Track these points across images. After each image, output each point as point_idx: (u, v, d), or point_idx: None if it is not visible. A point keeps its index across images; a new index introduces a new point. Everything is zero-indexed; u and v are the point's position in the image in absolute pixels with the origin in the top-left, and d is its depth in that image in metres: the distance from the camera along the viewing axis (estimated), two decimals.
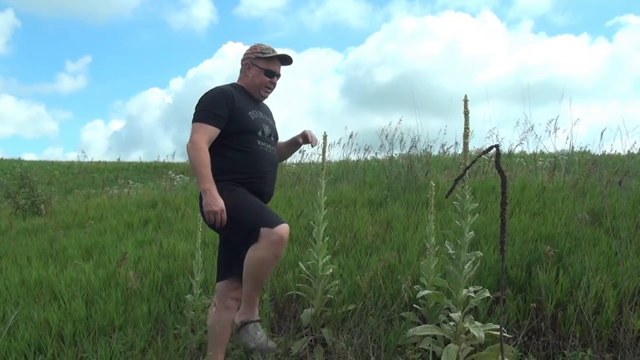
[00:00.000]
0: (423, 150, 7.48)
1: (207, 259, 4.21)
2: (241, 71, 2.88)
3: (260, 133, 2.75)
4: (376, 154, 8.00)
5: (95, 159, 21.92)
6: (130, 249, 4.88)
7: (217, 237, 4.90)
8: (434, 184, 3.13)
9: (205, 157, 2.54)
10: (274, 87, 2.88)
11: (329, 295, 3.21)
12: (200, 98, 2.71)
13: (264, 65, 2.80)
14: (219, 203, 2.48)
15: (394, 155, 7.65)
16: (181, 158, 15.32)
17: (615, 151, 7.05)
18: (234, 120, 2.67)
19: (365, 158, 8.32)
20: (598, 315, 2.93)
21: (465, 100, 2.53)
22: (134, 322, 3.30)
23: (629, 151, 6.32)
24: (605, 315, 2.90)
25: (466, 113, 2.55)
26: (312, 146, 3.03)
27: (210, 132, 2.61)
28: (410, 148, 7.38)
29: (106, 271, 4.27)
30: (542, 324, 2.98)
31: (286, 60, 2.87)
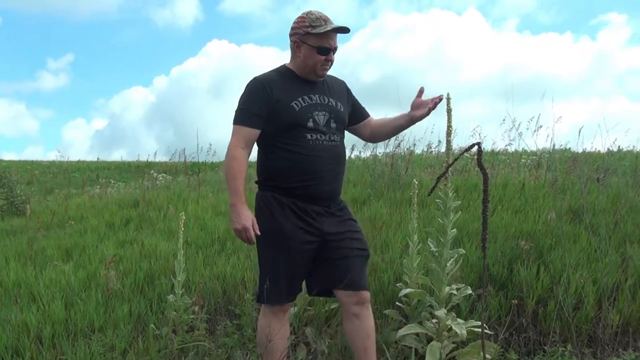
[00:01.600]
0: (407, 148, 7.51)
1: (189, 259, 4.18)
2: (291, 49, 2.42)
3: (310, 124, 2.34)
4: (360, 152, 8.02)
5: (79, 159, 21.65)
6: (111, 249, 4.82)
7: (200, 237, 4.87)
8: (416, 182, 3.14)
9: (237, 167, 2.31)
10: (332, 63, 2.40)
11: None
12: (242, 93, 2.41)
13: (316, 42, 2.32)
14: (241, 220, 2.27)
15: (377, 153, 7.67)
16: (164, 157, 15.19)
17: (596, 149, 7.14)
18: (274, 114, 2.33)
19: (349, 156, 8.34)
20: (578, 311, 2.97)
21: (448, 98, 2.53)
22: (114, 323, 3.26)
23: (608, 149, 6.42)
24: (585, 311, 2.94)
25: (449, 111, 2.55)
26: (434, 106, 2.45)
27: (247, 134, 2.34)
28: (395, 147, 7.41)
29: (86, 272, 4.21)
30: (523, 320, 3.00)
31: (343, 30, 2.38)
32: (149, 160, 16.68)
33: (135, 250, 4.70)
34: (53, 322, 3.26)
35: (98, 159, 22.00)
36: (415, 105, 2.49)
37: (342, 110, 2.47)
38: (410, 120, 2.52)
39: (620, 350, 2.79)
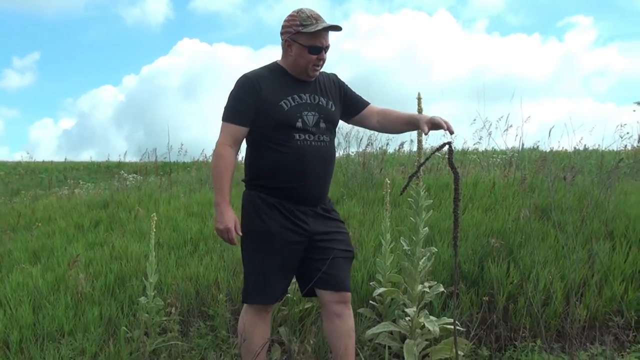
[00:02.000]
0: (379, 148, 7.56)
1: (161, 260, 4.13)
2: (282, 47, 2.39)
3: (299, 124, 2.31)
4: None
5: (46, 159, 21.10)
6: (80, 251, 4.73)
7: (172, 238, 4.82)
8: (389, 182, 3.16)
9: (223, 165, 2.29)
10: (324, 62, 2.37)
11: (287, 294, 3.20)
12: (231, 90, 2.39)
13: (307, 41, 2.28)
14: (224, 220, 2.27)
15: (350, 153, 7.71)
16: (134, 157, 14.94)
17: (563, 148, 7.32)
18: (262, 113, 2.30)
19: None
20: (547, 307, 3.03)
21: (419, 99, 2.56)
22: (84, 327, 3.20)
23: (575, 147, 6.59)
24: (554, 307, 3.00)
25: (420, 111, 2.58)
26: (451, 134, 2.37)
27: (234, 131, 2.32)
28: (367, 146, 7.46)
29: (55, 275, 4.12)
30: (494, 316, 3.05)
31: (334, 27, 2.31)
32: (120, 160, 16.43)
33: (106, 252, 4.62)
34: (20, 327, 3.19)
35: (66, 159, 21.52)
36: (430, 123, 2.34)
37: (332, 109, 2.43)
38: (414, 126, 2.46)
39: (587, 344, 2.86)
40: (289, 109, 2.31)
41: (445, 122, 2.31)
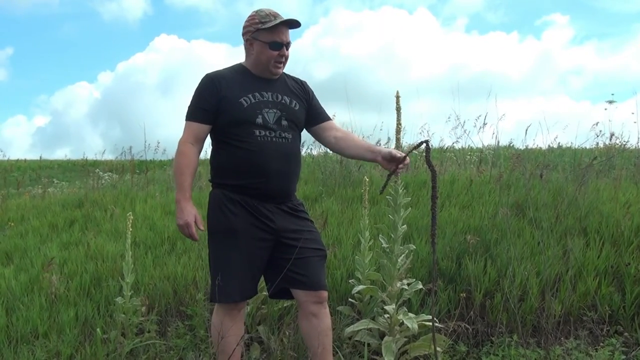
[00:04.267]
0: None
1: (138, 260, 4.08)
2: (245, 48, 2.45)
3: (259, 121, 2.34)
4: (311, 149, 8.05)
5: (19, 157, 20.63)
6: (55, 251, 4.65)
7: (149, 237, 4.76)
8: (367, 179, 3.17)
9: (184, 162, 2.33)
10: (286, 59, 2.42)
11: (265, 293, 3.19)
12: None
13: (267, 38, 2.34)
14: (183, 216, 2.29)
15: (328, 151, 7.69)
16: (110, 155, 14.71)
17: (537, 145, 7.44)
18: (223, 111, 2.34)
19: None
20: (523, 302, 3.08)
21: (397, 97, 2.58)
22: (59, 328, 3.14)
23: (549, 145, 6.71)
24: (530, 302, 3.05)
25: (398, 109, 2.60)
26: (406, 164, 2.40)
27: (195, 129, 2.37)
28: None
29: (28, 275, 4.04)
30: (472, 312, 3.09)
31: (293, 23, 2.38)
32: (95, 158, 16.15)
33: (81, 251, 4.55)
34: None
35: (40, 157, 21.10)
36: (389, 157, 2.38)
37: (296, 108, 2.45)
38: (373, 160, 2.47)
39: (562, 339, 2.91)
40: (248, 105, 2.35)
41: (402, 155, 2.36)
